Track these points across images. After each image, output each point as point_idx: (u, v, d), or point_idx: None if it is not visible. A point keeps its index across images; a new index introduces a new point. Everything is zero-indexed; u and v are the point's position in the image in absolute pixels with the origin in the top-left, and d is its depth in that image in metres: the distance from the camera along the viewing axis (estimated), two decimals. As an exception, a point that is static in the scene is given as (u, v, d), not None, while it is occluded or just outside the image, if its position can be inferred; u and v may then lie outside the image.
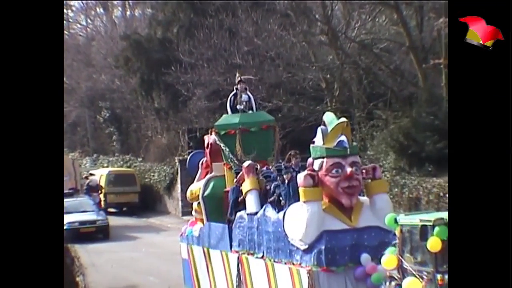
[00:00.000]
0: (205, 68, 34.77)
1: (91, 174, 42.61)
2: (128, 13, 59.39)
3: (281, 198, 16.37)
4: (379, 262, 14.25)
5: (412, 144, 27.40)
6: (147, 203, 43.75)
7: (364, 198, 15.69)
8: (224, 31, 34.42)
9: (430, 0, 31.76)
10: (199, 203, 19.38)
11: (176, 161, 42.13)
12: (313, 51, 33.84)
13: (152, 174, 44.74)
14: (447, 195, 24.18)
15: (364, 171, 15.56)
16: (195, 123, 39.91)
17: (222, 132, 18.89)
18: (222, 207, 18.36)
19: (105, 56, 53.23)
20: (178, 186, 41.36)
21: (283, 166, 16.78)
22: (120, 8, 61.17)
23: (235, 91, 19.38)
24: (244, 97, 19.20)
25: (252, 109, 19.37)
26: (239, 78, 19.60)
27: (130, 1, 57.39)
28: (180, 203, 41.09)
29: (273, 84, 33.33)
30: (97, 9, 62.21)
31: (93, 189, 39.88)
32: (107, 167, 47.89)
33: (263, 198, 16.92)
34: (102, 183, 41.92)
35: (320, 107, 34.16)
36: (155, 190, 44.29)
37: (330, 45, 33.13)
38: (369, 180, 15.71)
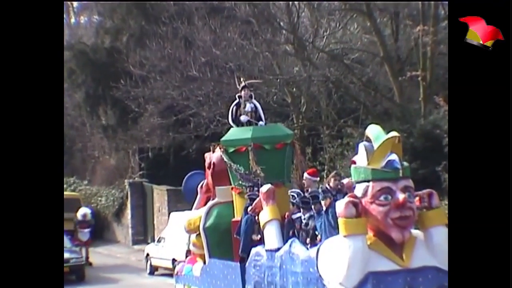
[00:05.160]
0: (157, 81, 33.84)
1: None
2: (72, 20, 58.95)
3: (316, 232, 14.74)
4: None
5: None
6: (94, 230, 41.61)
7: (417, 232, 13.48)
8: (179, 40, 33.23)
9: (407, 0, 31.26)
10: (198, 235, 17.20)
11: (126, 184, 42.10)
12: (278, 62, 32.92)
13: (99, 198, 44.64)
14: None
15: (417, 198, 13.37)
16: (146, 142, 39.57)
17: (231, 150, 16.47)
18: (228, 240, 16.34)
19: (47, 68, 52.57)
20: (128, 211, 41.42)
21: (320, 191, 14.85)
22: (64, 15, 60.71)
23: (237, 100, 17.17)
24: (249, 106, 16.95)
25: (261, 120, 17.01)
26: (243, 84, 17.34)
27: (75, 7, 57.15)
28: (130, 230, 41.30)
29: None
30: (40, 16, 61.84)
31: (82, 225, 34.50)
32: (49, 190, 46.42)
33: (287, 230, 15.18)
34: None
35: (285, 124, 33.01)
36: (102, 216, 43.96)
37: (296, 56, 32.30)
38: (424, 210, 13.48)
